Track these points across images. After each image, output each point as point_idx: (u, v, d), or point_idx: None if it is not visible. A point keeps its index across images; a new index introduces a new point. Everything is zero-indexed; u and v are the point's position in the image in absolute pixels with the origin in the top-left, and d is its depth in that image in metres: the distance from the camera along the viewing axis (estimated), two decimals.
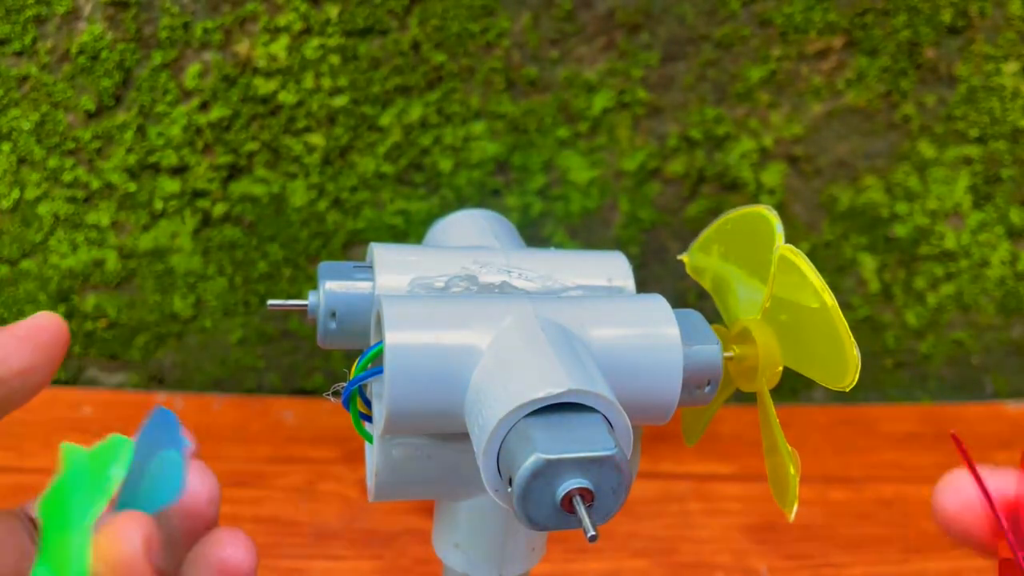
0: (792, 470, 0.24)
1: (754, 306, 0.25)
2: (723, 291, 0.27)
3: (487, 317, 0.23)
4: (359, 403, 0.24)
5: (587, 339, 0.23)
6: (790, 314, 0.24)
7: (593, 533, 0.19)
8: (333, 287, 0.25)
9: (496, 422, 0.20)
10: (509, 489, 0.19)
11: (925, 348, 0.58)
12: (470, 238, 0.29)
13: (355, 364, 0.23)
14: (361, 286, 0.25)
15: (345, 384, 0.24)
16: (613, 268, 0.27)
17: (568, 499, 0.19)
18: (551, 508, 0.19)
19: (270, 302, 0.26)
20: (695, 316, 0.25)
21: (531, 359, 0.21)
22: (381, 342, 0.22)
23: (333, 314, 0.25)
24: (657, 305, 0.24)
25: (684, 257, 0.28)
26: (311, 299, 0.25)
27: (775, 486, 0.25)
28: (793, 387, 0.58)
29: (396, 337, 0.22)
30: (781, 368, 0.25)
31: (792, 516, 0.24)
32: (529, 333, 0.22)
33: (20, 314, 0.56)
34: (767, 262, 0.24)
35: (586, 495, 0.19)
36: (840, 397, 0.58)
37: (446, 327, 0.22)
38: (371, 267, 0.26)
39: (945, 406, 0.57)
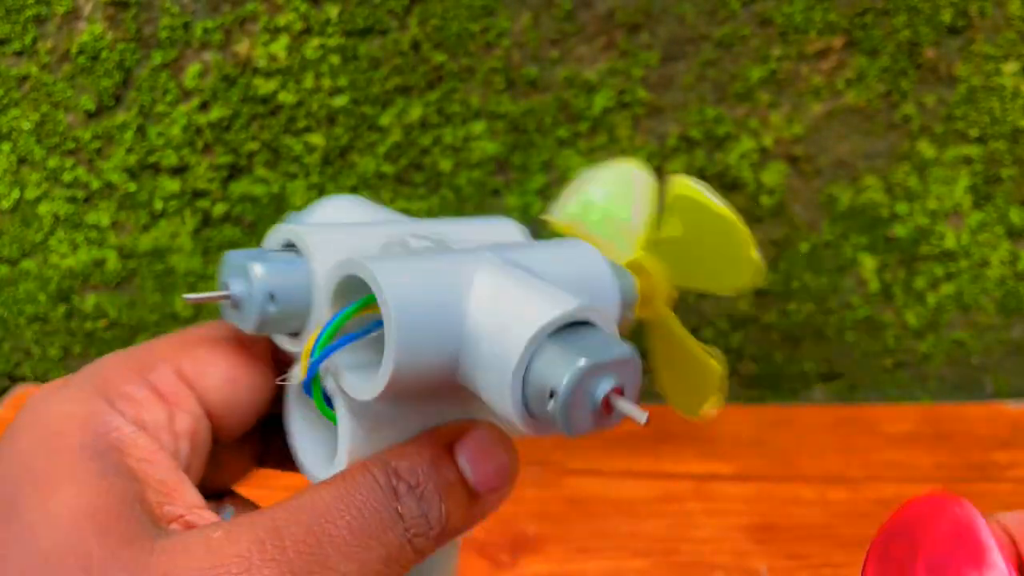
0: (714, 363, 0.25)
1: (633, 245, 0.28)
2: (603, 236, 0.29)
3: (460, 263, 0.23)
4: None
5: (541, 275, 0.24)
6: (683, 240, 0.27)
7: (647, 415, 0.21)
8: (266, 271, 0.24)
9: (523, 347, 0.21)
10: (550, 405, 0.21)
11: (925, 348, 0.58)
12: (365, 216, 0.28)
13: (315, 340, 0.22)
14: (297, 269, 0.24)
15: (288, 372, 0.23)
16: (513, 231, 0.29)
17: (606, 400, 0.21)
18: (591, 411, 0.21)
19: (186, 296, 0.25)
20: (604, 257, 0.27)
21: (527, 291, 0.22)
22: (348, 307, 0.22)
23: (272, 297, 0.24)
24: (584, 247, 0.26)
25: (549, 217, 0.29)
26: (236, 287, 0.24)
27: (683, 395, 0.27)
28: (793, 387, 0.58)
29: (394, 288, 0.21)
30: (676, 293, 0.28)
31: (713, 412, 0.26)
32: (506, 271, 0.23)
33: (20, 314, 0.56)
34: (646, 204, 0.27)
35: (619, 393, 0.21)
36: (840, 397, 0.58)
37: (432, 274, 0.23)
38: (284, 250, 0.25)
39: (945, 406, 0.57)
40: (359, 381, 0.23)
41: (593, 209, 0.28)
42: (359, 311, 0.23)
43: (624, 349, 0.22)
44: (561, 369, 0.21)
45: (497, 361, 0.21)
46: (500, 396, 0.21)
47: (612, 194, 0.28)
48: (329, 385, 0.24)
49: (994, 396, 0.59)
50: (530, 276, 0.23)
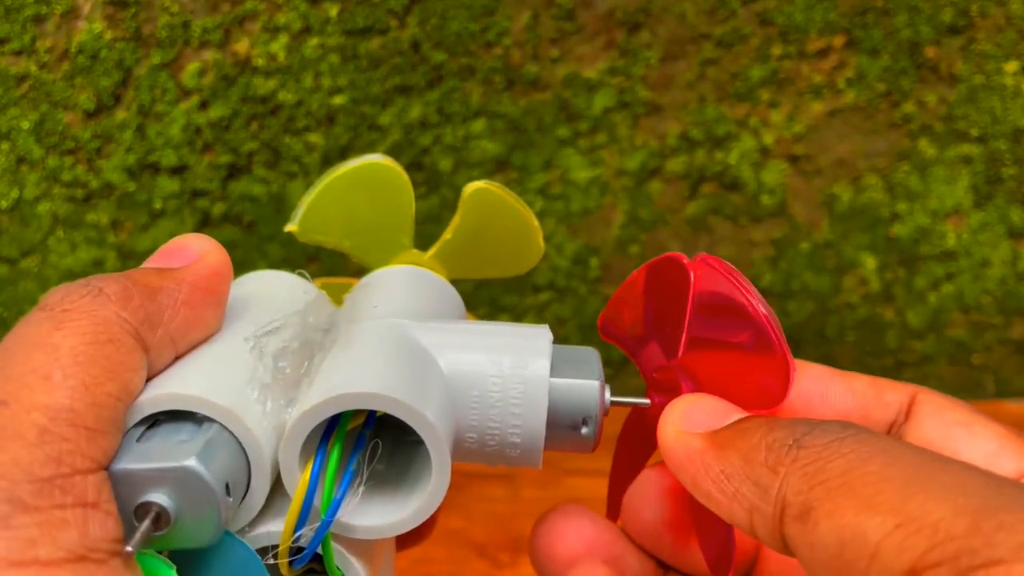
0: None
1: (402, 246, 0.27)
2: (362, 243, 0.27)
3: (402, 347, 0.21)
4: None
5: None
6: (476, 237, 0.27)
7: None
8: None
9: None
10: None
11: (926, 348, 0.58)
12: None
13: (306, 498, 0.19)
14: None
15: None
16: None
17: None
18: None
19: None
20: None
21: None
22: (331, 444, 0.19)
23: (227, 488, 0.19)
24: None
25: (292, 228, 0.27)
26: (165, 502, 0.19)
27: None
28: None
29: (425, 406, 0.19)
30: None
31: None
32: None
33: (20, 314, 0.56)
34: (403, 206, 0.26)
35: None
36: None
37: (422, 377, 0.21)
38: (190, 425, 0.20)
39: None
40: (382, 518, 0.20)
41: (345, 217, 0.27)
42: (340, 444, 0.20)
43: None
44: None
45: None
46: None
47: (361, 199, 0.27)
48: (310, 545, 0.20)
49: (995, 396, 0.59)
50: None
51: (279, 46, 0.50)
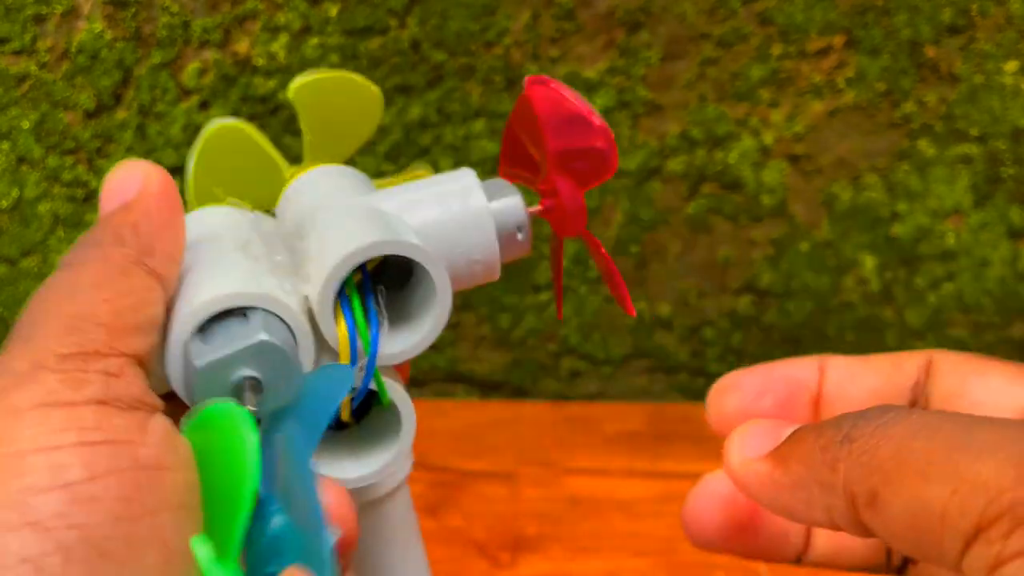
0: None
1: (283, 178, 0.29)
2: (257, 188, 0.29)
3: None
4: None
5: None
6: (324, 124, 0.29)
7: None
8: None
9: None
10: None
11: (926, 347, 0.58)
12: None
13: (353, 335, 0.23)
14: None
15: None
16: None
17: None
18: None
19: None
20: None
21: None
22: (364, 296, 0.24)
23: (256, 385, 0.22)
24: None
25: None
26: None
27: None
28: None
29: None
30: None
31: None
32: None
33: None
34: (264, 151, 0.29)
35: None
36: None
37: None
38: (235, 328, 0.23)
39: None
40: (406, 343, 0.24)
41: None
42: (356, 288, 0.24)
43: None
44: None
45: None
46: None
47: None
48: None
49: None
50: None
51: (279, 46, 0.50)
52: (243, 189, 0.29)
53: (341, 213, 0.25)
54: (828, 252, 0.55)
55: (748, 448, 0.22)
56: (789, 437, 0.21)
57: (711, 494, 0.27)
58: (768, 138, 0.53)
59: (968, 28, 0.51)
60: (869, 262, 0.56)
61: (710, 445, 0.56)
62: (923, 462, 0.18)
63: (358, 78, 0.29)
